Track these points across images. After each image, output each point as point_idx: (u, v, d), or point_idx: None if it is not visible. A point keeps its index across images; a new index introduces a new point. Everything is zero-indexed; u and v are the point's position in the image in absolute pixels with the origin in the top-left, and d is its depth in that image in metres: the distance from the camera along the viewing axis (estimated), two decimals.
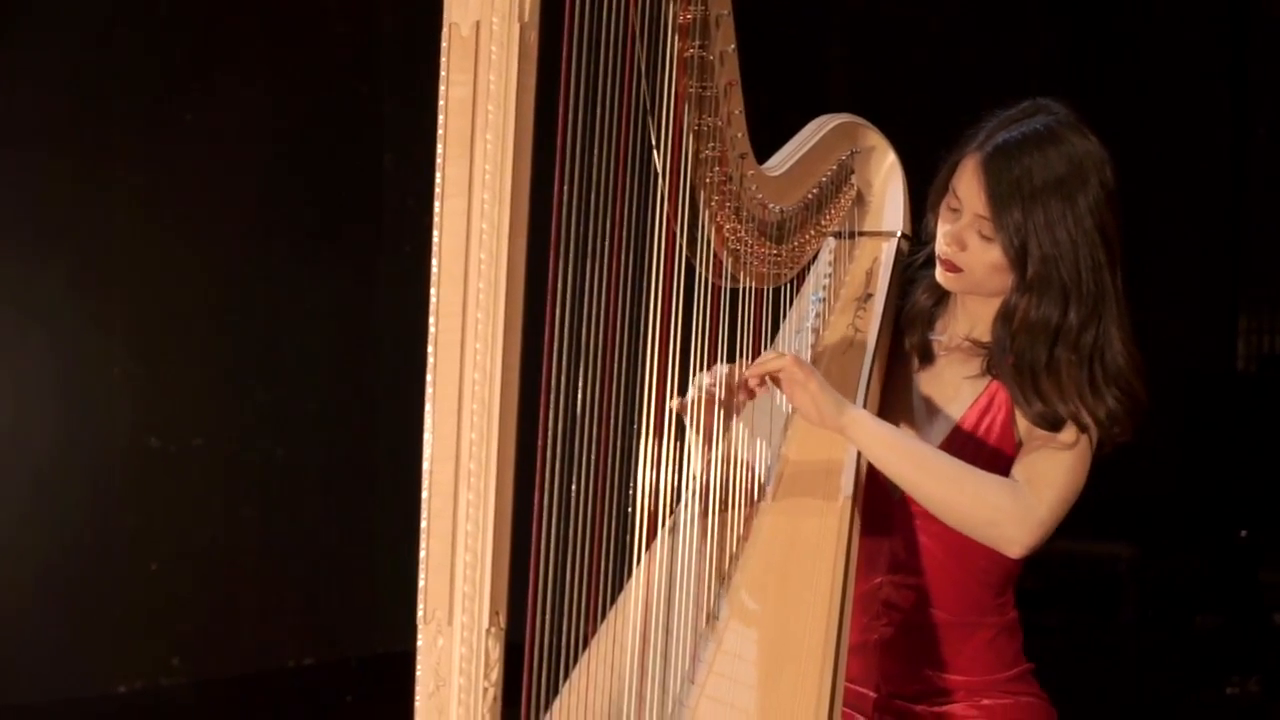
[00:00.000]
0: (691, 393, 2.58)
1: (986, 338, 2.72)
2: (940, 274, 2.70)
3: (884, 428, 2.60)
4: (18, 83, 5.00)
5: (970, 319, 2.75)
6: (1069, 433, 2.62)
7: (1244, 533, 5.89)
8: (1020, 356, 2.64)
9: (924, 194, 2.79)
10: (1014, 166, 2.59)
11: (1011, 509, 2.58)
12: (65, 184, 5.09)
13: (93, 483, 5.19)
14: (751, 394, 2.63)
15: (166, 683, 5.34)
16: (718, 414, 2.59)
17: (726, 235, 2.55)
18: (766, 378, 2.59)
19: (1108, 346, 2.62)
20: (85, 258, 5.14)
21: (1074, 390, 2.61)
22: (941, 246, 2.68)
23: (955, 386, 2.74)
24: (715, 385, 2.59)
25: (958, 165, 2.66)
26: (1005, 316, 2.66)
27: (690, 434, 2.58)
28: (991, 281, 2.66)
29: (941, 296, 2.78)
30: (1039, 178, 2.58)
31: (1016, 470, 2.63)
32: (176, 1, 5.23)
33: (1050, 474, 2.61)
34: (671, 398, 2.45)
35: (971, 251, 2.65)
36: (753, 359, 2.66)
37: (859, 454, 2.61)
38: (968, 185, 2.63)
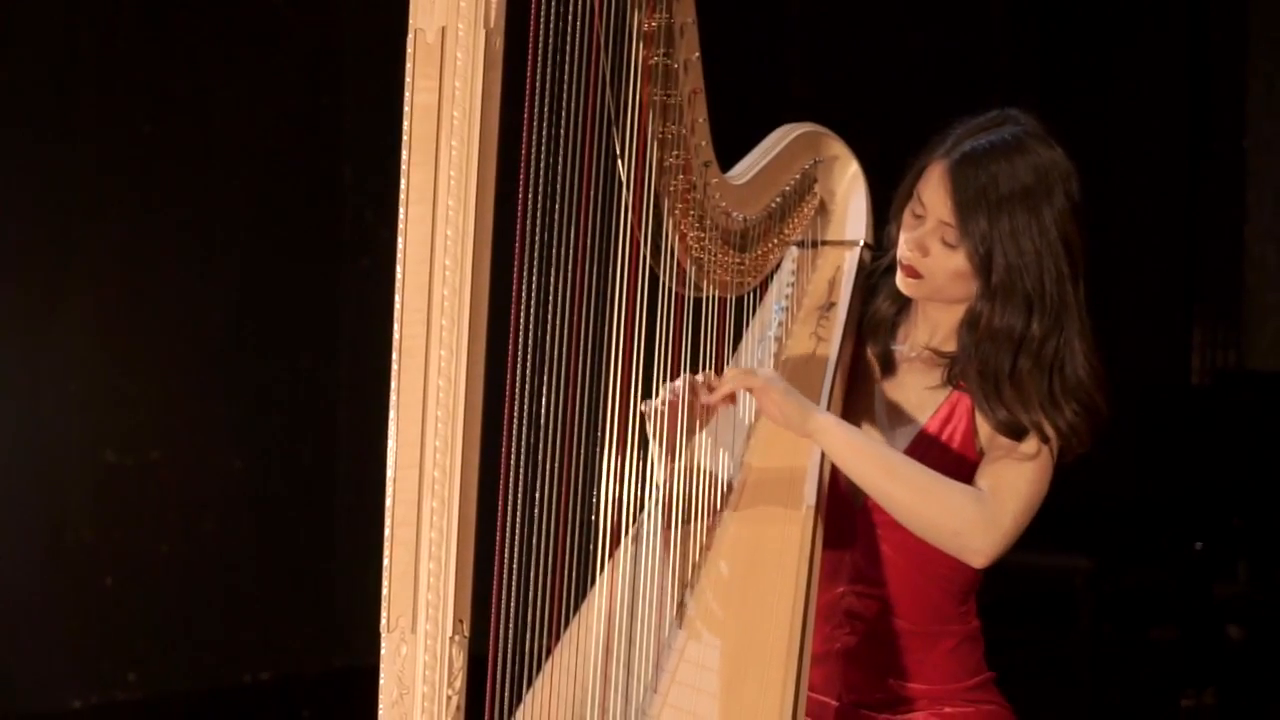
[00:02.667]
0: (655, 401, 2.58)
1: (947, 347, 2.72)
2: (901, 279, 2.70)
3: (851, 433, 2.60)
4: None
5: (930, 327, 2.75)
6: (1031, 443, 2.62)
7: (1199, 545, 5.89)
8: (985, 363, 2.64)
9: (885, 204, 2.79)
10: (981, 174, 2.59)
11: (976, 518, 2.57)
12: (16, 197, 5.05)
13: (48, 496, 5.15)
14: (714, 411, 2.63)
15: (123, 698, 5.30)
16: (681, 423, 2.59)
17: (690, 244, 2.55)
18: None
19: (1069, 358, 2.63)
20: (39, 271, 5.10)
21: (1035, 400, 2.62)
22: (903, 251, 2.68)
23: (917, 396, 2.74)
24: (678, 396, 2.58)
25: (923, 171, 2.66)
26: (970, 323, 2.66)
27: (653, 444, 2.58)
28: (952, 288, 2.67)
29: (903, 305, 2.78)
30: (1005, 187, 2.59)
31: (980, 479, 2.63)
32: (134, 10, 5.20)
33: (1014, 483, 2.61)
34: (639, 404, 2.45)
35: (934, 257, 2.65)
36: (717, 368, 2.66)
37: (822, 463, 2.61)
38: (933, 191, 2.63)
